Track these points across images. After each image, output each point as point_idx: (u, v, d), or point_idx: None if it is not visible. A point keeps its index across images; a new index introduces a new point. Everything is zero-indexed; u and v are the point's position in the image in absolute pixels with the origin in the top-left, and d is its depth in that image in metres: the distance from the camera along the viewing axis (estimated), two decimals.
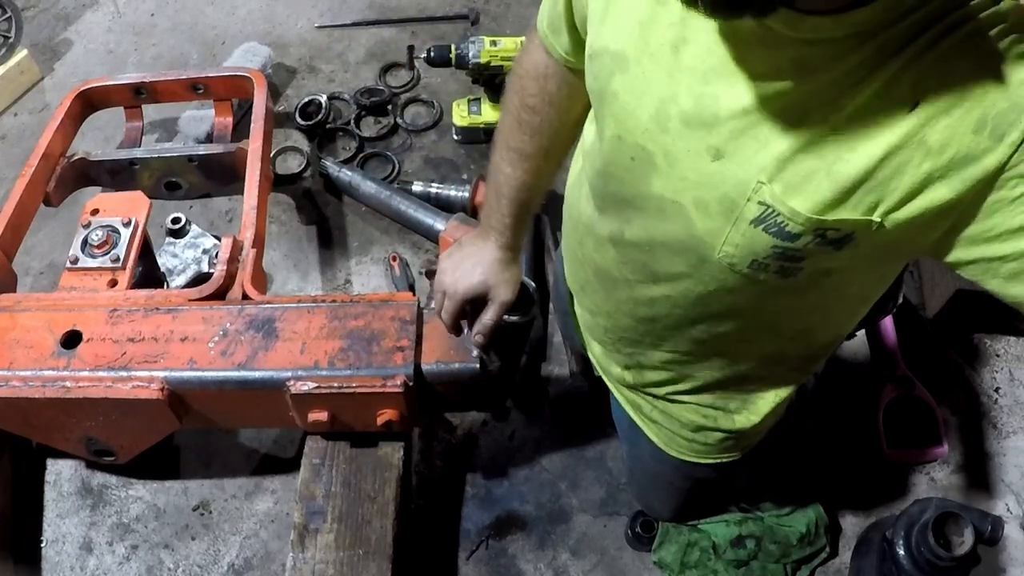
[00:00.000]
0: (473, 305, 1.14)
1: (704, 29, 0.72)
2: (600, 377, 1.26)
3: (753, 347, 0.98)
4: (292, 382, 1.24)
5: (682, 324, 0.96)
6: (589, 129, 0.97)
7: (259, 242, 1.51)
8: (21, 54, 2.29)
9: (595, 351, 1.21)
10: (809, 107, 0.68)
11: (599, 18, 0.82)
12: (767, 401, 1.09)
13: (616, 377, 1.18)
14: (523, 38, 1.97)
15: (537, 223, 1.95)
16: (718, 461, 1.19)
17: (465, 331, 1.21)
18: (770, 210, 0.72)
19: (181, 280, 1.75)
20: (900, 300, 1.70)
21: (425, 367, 1.25)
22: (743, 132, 0.72)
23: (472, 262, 1.12)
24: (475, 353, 1.25)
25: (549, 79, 1.01)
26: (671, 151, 0.77)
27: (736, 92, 0.71)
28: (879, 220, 0.69)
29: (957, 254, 0.72)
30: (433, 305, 1.18)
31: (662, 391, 1.12)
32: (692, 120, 0.75)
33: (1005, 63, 0.63)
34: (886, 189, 0.68)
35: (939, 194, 0.67)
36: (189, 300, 1.37)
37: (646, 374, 1.11)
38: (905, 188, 0.67)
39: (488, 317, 1.12)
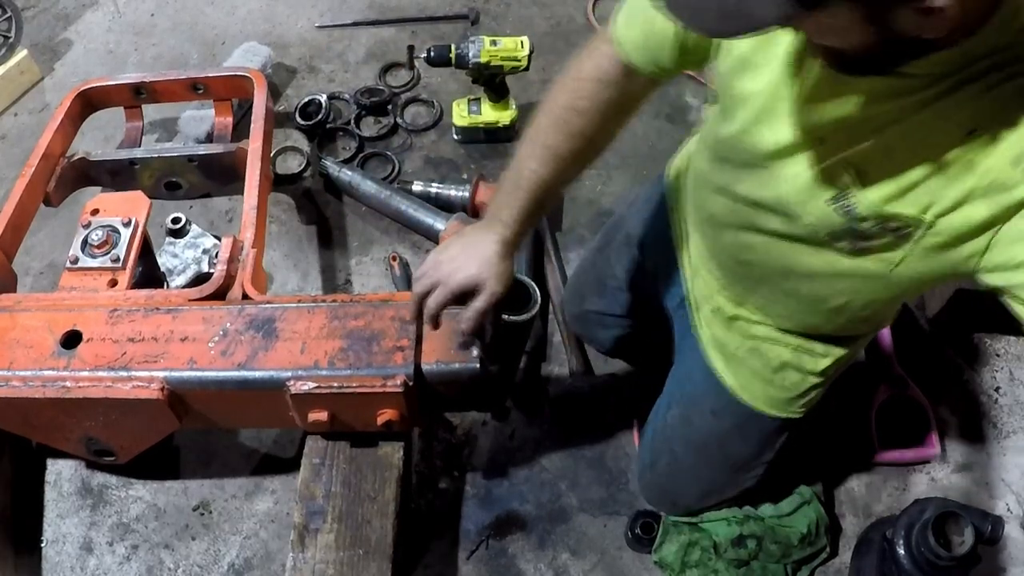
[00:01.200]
0: (461, 298, 1.14)
1: None
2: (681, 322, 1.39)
3: (832, 306, 1.11)
4: (292, 382, 1.23)
5: (773, 275, 1.12)
6: (714, 107, 1.11)
7: (259, 242, 1.51)
8: (21, 54, 2.28)
9: (697, 287, 1.32)
10: (888, 121, 0.84)
11: None
12: (841, 351, 1.23)
13: (713, 308, 1.29)
14: (523, 38, 1.98)
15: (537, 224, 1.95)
16: (785, 415, 1.30)
17: (458, 327, 1.22)
18: (846, 191, 0.89)
19: (181, 280, 1.75)
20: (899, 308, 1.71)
21: (425, 367, 1.25)
22: (838, 131, 0.88)
23: (470, 254, 1.13)
24: (475, 353, 1.25)
25: (609, 87, 1.09)
26: (782, 134, 0.94)
27: (837, 103, 0.88)
28: (931, 219, 0.85)
29: (987, 276, 0.85)
30: (415, 289, 1.16)
31: (756, 324, 1.24)
32: (802, 111, 0.91)
33: None
34: (937, 195, 0.83)
35: (978, 210, 0.81)
36: (189, 300, 1.37)
37: (744, 308, 1.24)
38: (952, 197, 0.82)
39: (478, 304, 1.13)
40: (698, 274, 1.32)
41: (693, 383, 1.38)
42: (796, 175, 0.94)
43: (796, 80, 0.91)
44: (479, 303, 1.13)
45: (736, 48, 0.96)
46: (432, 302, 1.14)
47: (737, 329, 1.27)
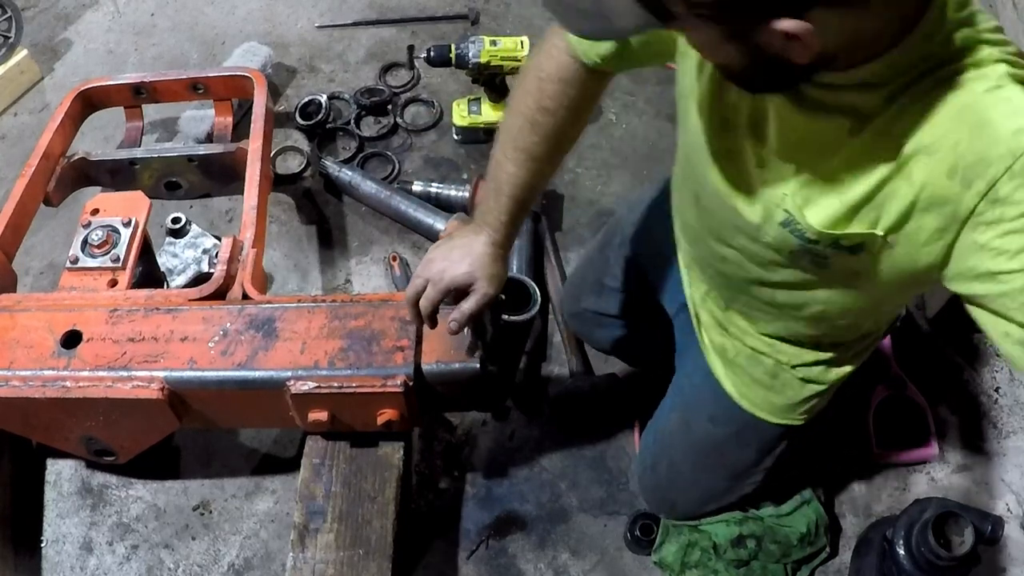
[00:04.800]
0: (455, 297, 1.14)
1: None
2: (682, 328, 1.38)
3: (809, 314, 1.10)
4: (292, 382, 1.24)
5: (749, 284, 1.11)
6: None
7: (259, 242, 1.51)
8: (21, 54, 2.28)
9: (696, 293, 1.31)
10: (827, 142, 0.84)
11: None
12: (832, 355, 1.21)
13: (708, 312, 1.28)
14: (523, 38, 1.98)
15: (537, 224, 1.95)
16: (783, 423, 1.28)
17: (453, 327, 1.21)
18: (792, 218, 0.90)
19: (181, 280, 1.75)
20: (903, 312, 1.72)
21: (425, 367, 1.25)
22: (780, 152, 0.90)
23: (461, 253, 1.12)
24: (476, 354, 1.25)
25: (571, 84, 1.09)
26: (732, 149, 0.95)
27: (778, 121, 0.88)
28: (882, 234, 0.85)
29: (952, 285, 0.87)
30: (407, 291, 1.16)
31: (746, 333, 1.23)
32: (749, 129, 0.92)
33: (976, 114, 0.75)
34: (883, 210, 0.83)
35: (926, 221, 0.82)
36: (189, 300, 1.37)
37: (731, 313, 1.24)
38: (897, 211, 0.83)
39: (467, 305, 1.12)
40: (692, 278, 1.32)
41: (693, 387, 1.37)
42: (748, 200, 0.95)
43: (733, 103, 0.92)
44: (469, 304, 1.12)
45: (685, 62, 0.97)
46: (424, 301, 1.14)
47: (733, 335, 1.25)
